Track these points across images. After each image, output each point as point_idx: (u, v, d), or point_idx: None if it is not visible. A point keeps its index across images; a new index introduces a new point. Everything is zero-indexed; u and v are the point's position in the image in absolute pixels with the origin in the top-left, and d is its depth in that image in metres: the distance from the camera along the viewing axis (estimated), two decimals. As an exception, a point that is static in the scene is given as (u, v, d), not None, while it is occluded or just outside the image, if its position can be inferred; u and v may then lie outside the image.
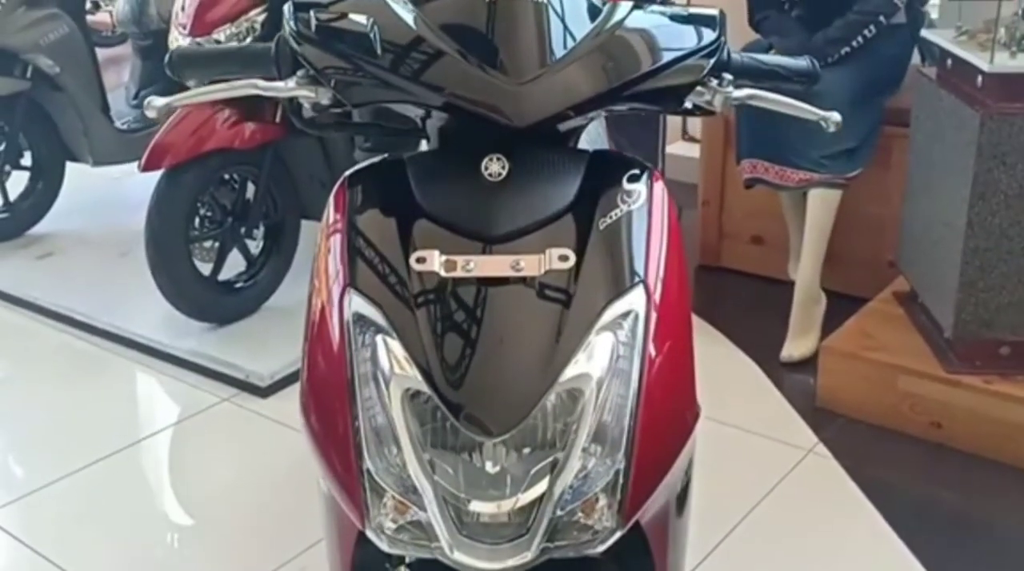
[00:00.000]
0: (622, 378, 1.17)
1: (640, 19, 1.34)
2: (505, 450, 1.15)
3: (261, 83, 1.34)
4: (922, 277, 2.92)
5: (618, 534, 1.18)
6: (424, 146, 1.43)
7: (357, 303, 1.21)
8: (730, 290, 3.70)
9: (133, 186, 4.24)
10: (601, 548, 1.18)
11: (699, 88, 1.34)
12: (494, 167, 1.25)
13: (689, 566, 1.46)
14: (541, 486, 1.15)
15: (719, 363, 3.09)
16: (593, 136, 1.51)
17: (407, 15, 1.30)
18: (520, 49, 1.25)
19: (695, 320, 1.33)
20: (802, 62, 1.43)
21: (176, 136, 3.08)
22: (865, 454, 2.66)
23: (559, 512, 1.15)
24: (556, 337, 1.16)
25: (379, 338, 1.18)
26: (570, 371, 1.15)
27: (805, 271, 3.15)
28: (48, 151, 4.19)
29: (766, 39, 3.17)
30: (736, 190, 3.55)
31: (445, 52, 1.26)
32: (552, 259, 1.19)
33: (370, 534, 1.19)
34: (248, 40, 3.14)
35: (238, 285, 3.38)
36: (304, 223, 3.42)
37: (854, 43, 3.02)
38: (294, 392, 1.30)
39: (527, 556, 1.15)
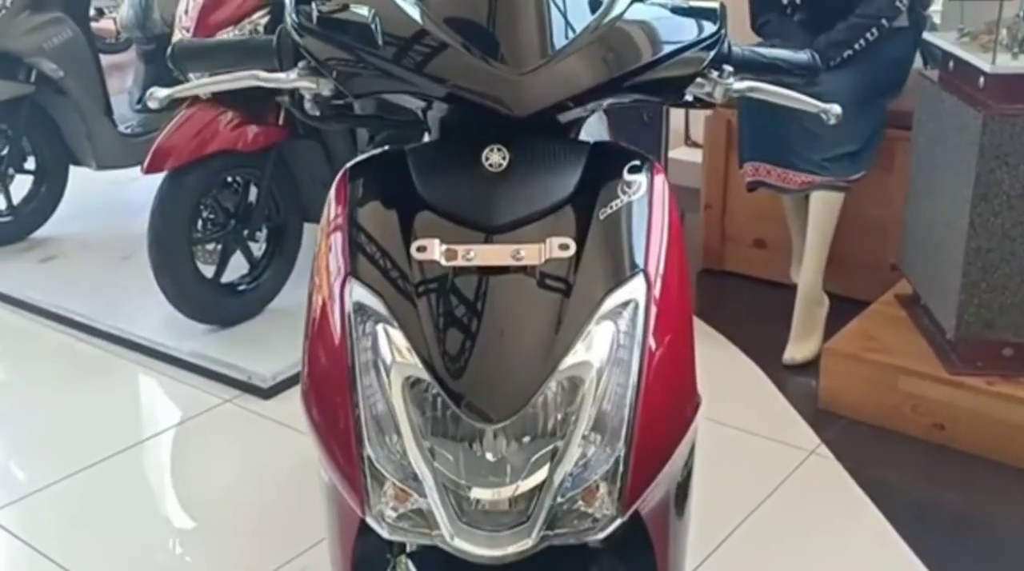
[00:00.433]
0: (622, 367, 1.17)
1: (640, 11, 1.35)
2: (505, 438, 1.15)
3: (262, 74, 1.35)
4: (924, 278, 2.92)
5: (618, 522, 1.17)
6: (426, 137, 1.44)
7: (358, 292, 1.21)
8: (733, 293, 3.71)
9: (136, 190, 4.27)
10: (601, 535, 1.18)
11: (700, 80, 1.35)
12: (495, 158, 1.25)
13: (691, 567, 1.46)
14: (541, 474, 1.15)
15: (722, 366, 3.10)
16: (594, 129, 1.51)
17: (408, 6, 1.30)
18: (521, 40, 1.25)
19: (697, 323, 1.33)
20: (803, 55, 1.44)
21: (179, 138, 3.09)
22: (867, 455, 2.65)
23: (559, 499, 1.15)
24: (556, 326, 1.16)
25: (380, 327, 1.18)
26: (570, 360, 1.15)
27: (807, 274, 3.15)
28: (52, 155, 4.20)
29: (768, 43, 3.17)
30: (738, 194, 3.56)
31: (446, 43, 1.26)
32: (552, 248, 1.19)
33: (371, 521, 1.18)
34: (251, 42, 3.15)
35: (241, 287, 3.39)
36: (306, 226, 3.43)
37: (856, 46, 3.03)
38: (296, 393, 1.30)
39: (527, 543, 1.15)
